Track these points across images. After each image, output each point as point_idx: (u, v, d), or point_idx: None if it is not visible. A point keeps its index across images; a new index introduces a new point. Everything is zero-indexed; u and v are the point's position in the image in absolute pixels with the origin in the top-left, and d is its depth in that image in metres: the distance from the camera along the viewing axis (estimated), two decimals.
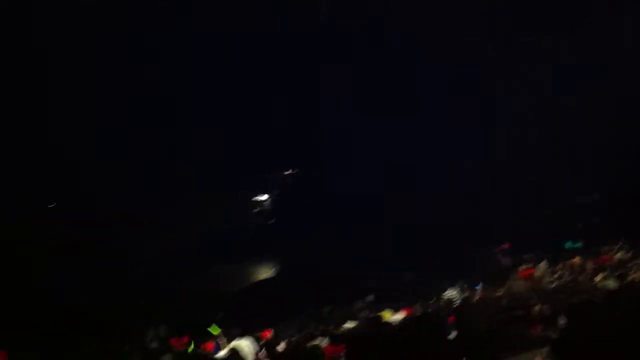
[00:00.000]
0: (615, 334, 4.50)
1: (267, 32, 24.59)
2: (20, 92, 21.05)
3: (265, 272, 27.51)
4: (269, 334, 11.57)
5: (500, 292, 12.87)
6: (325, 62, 25.54)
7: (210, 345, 11.54)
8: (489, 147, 25.00)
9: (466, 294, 14.54)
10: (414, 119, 25.32)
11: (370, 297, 17.39)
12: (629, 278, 9.95)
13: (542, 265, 13.35)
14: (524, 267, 14.58)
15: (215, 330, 10.58)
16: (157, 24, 23.01)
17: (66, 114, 22.12)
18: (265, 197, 31.39)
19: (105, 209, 23.01)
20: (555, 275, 13.21)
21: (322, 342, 8.55)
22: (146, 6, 22.08)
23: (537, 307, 7.38)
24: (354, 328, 10.93)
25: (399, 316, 10.96)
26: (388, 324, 8.54)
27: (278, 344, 9.90)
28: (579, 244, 14.62)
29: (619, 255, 13.90)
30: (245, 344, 7.87)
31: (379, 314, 11.87)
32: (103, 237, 22.41)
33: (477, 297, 13.45)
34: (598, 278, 11.91)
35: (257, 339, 11.01)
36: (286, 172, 31.80)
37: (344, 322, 12.33)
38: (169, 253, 23.62)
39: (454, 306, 12.31)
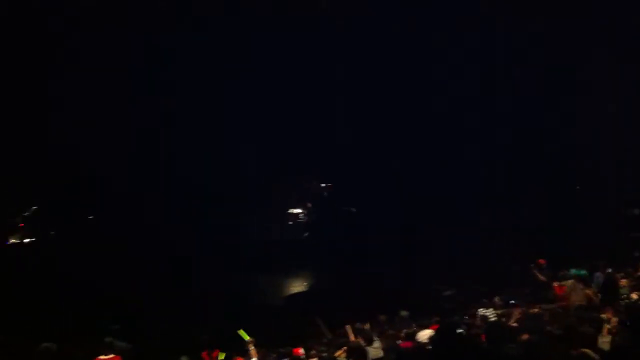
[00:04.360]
0: None
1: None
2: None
3: (297, 286, 27.53)
4: (300, 350, 11.51)
5: (536, 309, 12.59)
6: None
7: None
8: (524, 158, 24.63)
9: (501, 311, 14.25)
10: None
11: (405, 313, 17.12)
12: None
13: (571, 283, 12.97)
14: (559, 283, 14.20)
15: (245, 335, 10.55)
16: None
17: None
18: (299, 210, 31.49)
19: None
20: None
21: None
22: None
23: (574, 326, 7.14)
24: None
25: (427, 332, 10.77)
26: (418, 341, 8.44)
27: None
28: (583, 272, 14.18)
29: None
30: None
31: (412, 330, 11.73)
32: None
33: (512, 315, 13.17)
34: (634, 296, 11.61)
35: (289, 355, 10.99)
36: (322, 184, 31.85)
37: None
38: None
39: (488, 323, 12.07)
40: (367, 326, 14.46)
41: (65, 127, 22.28)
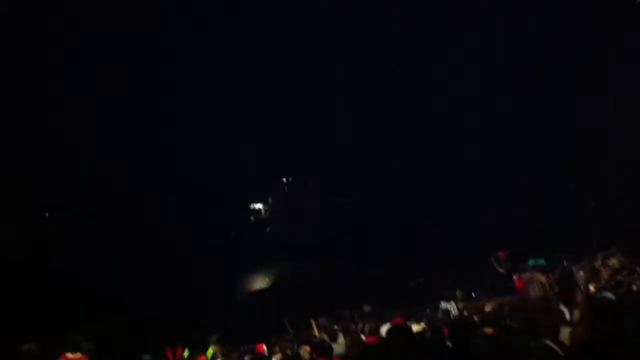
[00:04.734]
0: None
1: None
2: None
3: (260, 282, 27.42)
4: (262, 347, 11.43)
5: (495, 302, 12.79)
6: None
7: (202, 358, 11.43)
8: (486, 152, 24.92)
9: (462, 304, 14.44)
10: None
11: (368, 307, 17.22)
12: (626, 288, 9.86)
13: (529, 275, 13.25)
14: (519, 275, 14.48)
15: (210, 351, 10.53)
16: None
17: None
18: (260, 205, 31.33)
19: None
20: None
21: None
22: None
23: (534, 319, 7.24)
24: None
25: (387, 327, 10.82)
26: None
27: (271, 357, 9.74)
28: (541, 261, 14.48)
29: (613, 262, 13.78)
30: None
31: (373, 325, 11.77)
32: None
33: (472, 307, 13.35)
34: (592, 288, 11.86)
35: (251, 352, 10.91)
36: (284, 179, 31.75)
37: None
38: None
39: (450, 317, 12.20)
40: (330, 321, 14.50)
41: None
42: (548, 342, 5.93)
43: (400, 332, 5.52)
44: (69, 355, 8.84)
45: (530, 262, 14.96)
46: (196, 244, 24.20)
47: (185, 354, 11.84)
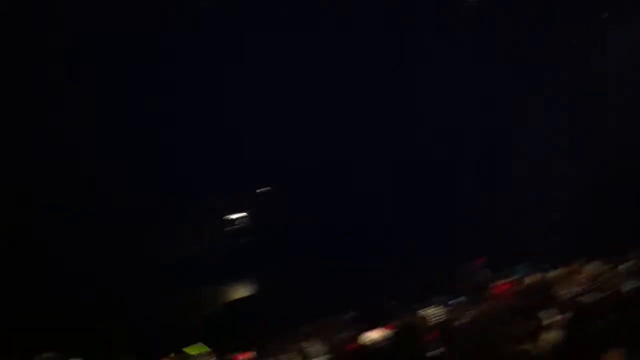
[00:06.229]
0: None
1: None
2: None
3: (240, 292, 27.23)
4: (240, 357, 11.41)
5: (476, 309, 12.89)
6: None
7: None
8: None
9: (442, 311, 14.53)
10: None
11: (349, 315, 17.23)
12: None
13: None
14: (499, 282, 14.63)
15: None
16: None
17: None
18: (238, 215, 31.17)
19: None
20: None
21: None
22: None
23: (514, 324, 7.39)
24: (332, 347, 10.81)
25: (375, 334, 10.90)
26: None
27: None
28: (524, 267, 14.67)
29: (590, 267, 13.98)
30: None
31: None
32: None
33: (455, 314, 13.45)
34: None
35: None
36: (259, 190, 31.62)
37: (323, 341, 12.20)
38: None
39: (438, 322, 12.29)
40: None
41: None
42: (526, 347, 6.06)
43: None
44: None
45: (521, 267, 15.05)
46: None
47: None
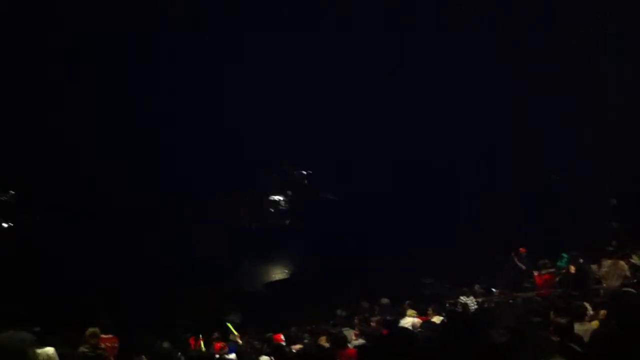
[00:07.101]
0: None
1: None
2: None
3: (278, 273, 27.54)
4: (281, 336, 11.52)
5: (517, 298, 12.72)
6: None
7: (218, 345, 11.59)
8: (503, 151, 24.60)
9: (482, 299, 14.38)
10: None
11: (386, 300, 17.18)
12: None
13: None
14: (541, 272, 14.36)
15: (232, 329, 10.66)
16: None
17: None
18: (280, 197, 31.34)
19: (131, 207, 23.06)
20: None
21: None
22: None
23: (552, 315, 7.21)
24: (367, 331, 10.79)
25: (409, 320, 10.85)
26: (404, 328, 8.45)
27: (291, 347, 9.80)
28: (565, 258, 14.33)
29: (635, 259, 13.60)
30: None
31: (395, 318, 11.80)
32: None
33: (493, 303, 13.29)
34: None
35: (269, 342, 11.01)
36: (303, 172, 31.71)
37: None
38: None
39: (471, 311, 12.18)
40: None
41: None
42: (566, 338, 5.91)
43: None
44: (103, 336, 9.13)
45: (565, 256, 14.73)
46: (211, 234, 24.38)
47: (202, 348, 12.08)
